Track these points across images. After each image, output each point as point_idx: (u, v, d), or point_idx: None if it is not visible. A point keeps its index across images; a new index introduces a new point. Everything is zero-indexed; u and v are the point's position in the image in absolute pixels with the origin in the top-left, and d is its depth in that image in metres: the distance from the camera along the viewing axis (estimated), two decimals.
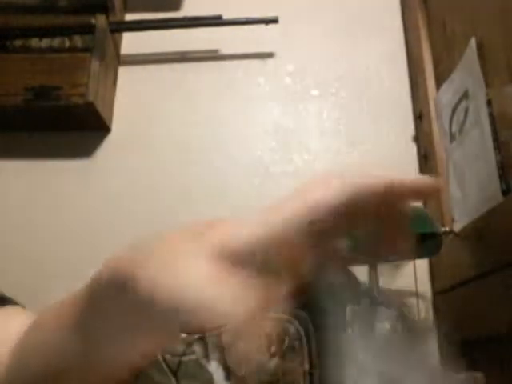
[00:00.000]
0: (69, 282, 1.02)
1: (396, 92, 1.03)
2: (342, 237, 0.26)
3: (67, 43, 1.00)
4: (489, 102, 0.65)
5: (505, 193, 0.61)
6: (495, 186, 0.62)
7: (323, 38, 1.09)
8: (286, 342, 0.45)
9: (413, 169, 0.97)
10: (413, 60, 1.02)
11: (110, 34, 1.02)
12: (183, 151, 1.02)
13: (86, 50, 0.98)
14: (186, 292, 0.22)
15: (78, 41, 1.00)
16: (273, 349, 0.45)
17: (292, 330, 0.46)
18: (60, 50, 0.99)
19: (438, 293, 0.85)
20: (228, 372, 0.48)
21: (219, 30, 1.08)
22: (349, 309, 0.50)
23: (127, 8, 1.14)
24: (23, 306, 0.45)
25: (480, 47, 0.69)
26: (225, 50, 1.10)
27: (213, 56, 1.10)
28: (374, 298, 0.55)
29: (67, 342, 0.30)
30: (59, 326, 0.31)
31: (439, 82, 0.88)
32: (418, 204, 0.93)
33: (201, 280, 0.22)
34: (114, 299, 0.24)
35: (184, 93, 1.07)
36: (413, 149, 0.98)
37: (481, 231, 0.65)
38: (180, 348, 0.50)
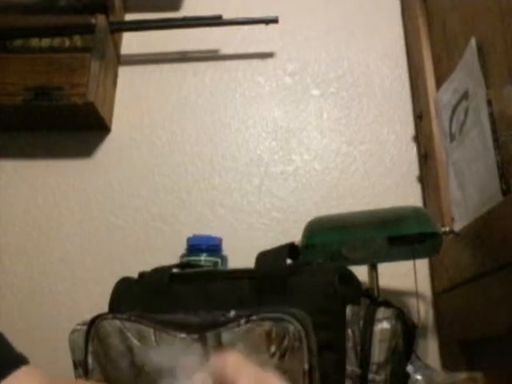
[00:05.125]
0: (68, 281, 1.02)
1: (396, 92, 1.03)
2: None
3: (67, 43, 1.00)
4: (489, 102, 0.65)
5: (505, 193, 0.61)
6: (495, 186, 0.62)
7: (323, 38, 1.09)
8: (286, 342, 0.45)
9: (413, 169, 0.97)
10: (413, 60, 1.02)
11: (110, 34, 1.03)
12: (183, 151, 1.02)
13: (86, 49, 0.98)
14: None
15: (78, 41, 1.00)
16: (273, 349, 0.45)
17: (292, 329, 0.46)
18: (60, 49, 0.99)
19: (437, 293, 0.85)
20: None
21: (219, 30, 1.08)
22: (349, 309, 0.50)
23: (127, 8, 1.14)
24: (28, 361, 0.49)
25: (480, 47, 0.69)
26: (225, 50, 1.10)
27: (213, 56, 1.10)
28: (374, 298, 0.55)
29: None
30: None
31: (439, 82, 0.88)
32: (418, 204, 0.93)
33: None
34: None
35: (184, 93, 1.07)
36: (413, 149, 0.98)
37: (481, 231, 0.65)
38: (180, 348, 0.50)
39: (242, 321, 0.47)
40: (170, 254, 0.91)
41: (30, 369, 0.48)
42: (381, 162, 0.98)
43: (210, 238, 0.88)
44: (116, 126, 1.05)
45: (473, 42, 0.70)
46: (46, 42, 1.00)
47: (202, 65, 1.09)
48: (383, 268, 0.78)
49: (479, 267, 0.65)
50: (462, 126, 0.74)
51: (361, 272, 0.66)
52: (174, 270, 0.61)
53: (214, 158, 1.01)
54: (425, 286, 0.87)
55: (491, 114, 0.65)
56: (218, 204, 0.97)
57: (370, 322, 0.50)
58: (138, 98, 1.07)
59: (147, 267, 0.64)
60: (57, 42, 1.00)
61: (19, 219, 0.98)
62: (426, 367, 0.59)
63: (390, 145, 0.99)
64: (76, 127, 1.03)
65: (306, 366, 0.45)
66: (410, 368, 0.55)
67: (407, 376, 0.54)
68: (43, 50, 0.99)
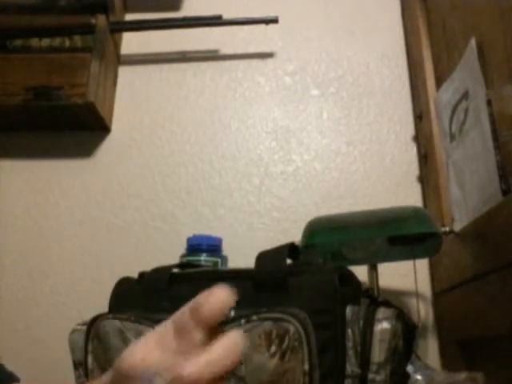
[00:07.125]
0: (68, 281, 1.02)
1: (396, 92, 1.03)
2: None
3: (67, 43, 1.00)
4: (489, 102, 0.65)
5: (505, 193, 0.61)
6: (495, 186, 0.62)
7: (323, 38, 1.09)
8: (286, 342, 0.45)
9: (413, 169, 0.97)
10: (413, 60, 1.02)
11: (110, 34, 1.03)
12: (183, 151, 1.02)
13: (86, 49, 0.98)
14: None
15: (78, 41, 1.00)
16: (273, 349, 0.45)
17: (292, 329, 0.46)
18: (60, 49, 0.99)
19: (437, 293, 0.85)
20: None
21: (219, 30, 1.08)
22: (349, 309, 0.50)
23: (127, 8, 1.14)
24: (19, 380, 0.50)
25: (480, 47, 0.69)
26: (225, 50, 1.10)
27: (213, 56, 1.10)
28: (374, 298, 0.55)
29: None
30: None
31: (439, 82, 0.88)
32: (418, 204, 0.93)
33: None
34: None
35: (184, 93, 1.07)
36: (413, 149, 0.98)
37: (481, 231, 0.65)
38: None
39: (242, 321, 0.47)
40: (169, 253, 0.91)
41: None
42: (381, 162, 0.98)
43: (210, 238, 0.88)
44: (116, 125, 1.05)
45: (473, 42, 0.70)
46: (45, 42, 1.00)
47: (202, 65, 1.09)
48: (383, 268, 0.78)
49: (479, 267, 0.65)
50: (462, 126, 0.74)
51: (361, 272, 0.66)
52: (174, 270, 0.61)
53: (214, 158, 1.01)
54: (425, 286, 0.87)
55: (491, 114, 0.65)
56: (217, 204, 0.97)
57: (369, 322, 0.50)
58: (138, 98, 1.07)
59: (147, 267, 0.64)
60: (57, 42, 1.00)
61: (19, 219, 0.98)
62: (426, 367, 0.59)
63: (390, 145, 0.99)
64: (76, 127, 1.03)
65: (306, 366, 0.45)
66: (410, 368, 0.55)
67: (407, 376, 0.54)
68: (43, 50, 0.99)
